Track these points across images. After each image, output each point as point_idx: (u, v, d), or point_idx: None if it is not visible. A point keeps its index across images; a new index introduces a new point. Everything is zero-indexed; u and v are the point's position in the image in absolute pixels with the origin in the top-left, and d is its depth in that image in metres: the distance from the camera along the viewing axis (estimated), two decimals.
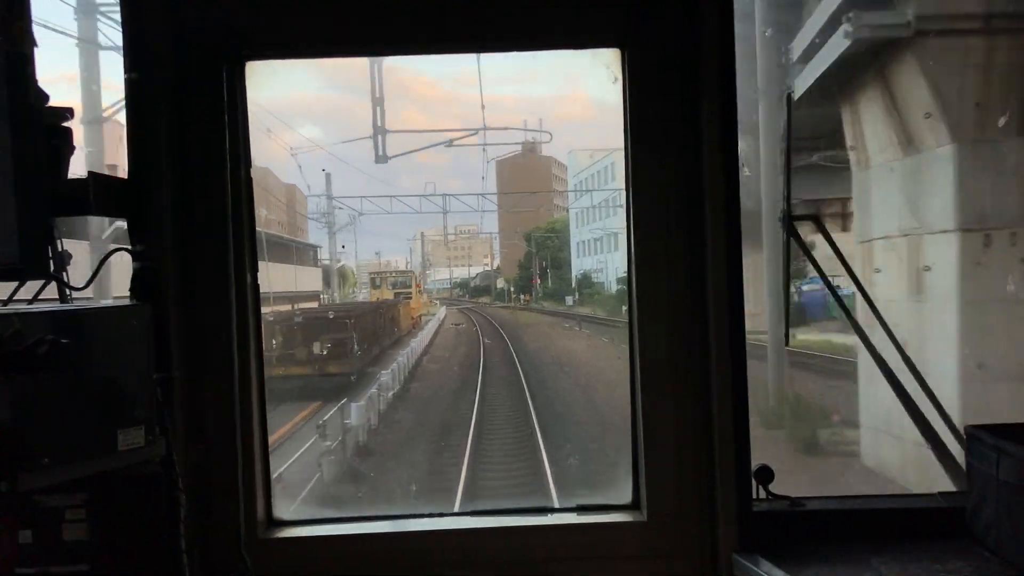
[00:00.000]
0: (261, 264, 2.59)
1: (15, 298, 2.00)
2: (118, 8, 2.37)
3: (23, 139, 1.75)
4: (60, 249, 2.01)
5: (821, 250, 2.80)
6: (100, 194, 2.04)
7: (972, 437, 2.42)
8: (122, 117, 2.43)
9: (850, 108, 8.36)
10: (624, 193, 2.57)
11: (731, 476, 2.39)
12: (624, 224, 2.59)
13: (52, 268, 1.93)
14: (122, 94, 2.31)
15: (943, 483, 2.68)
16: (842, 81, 8.20)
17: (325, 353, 17.98)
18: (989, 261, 6.98)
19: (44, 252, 1.87)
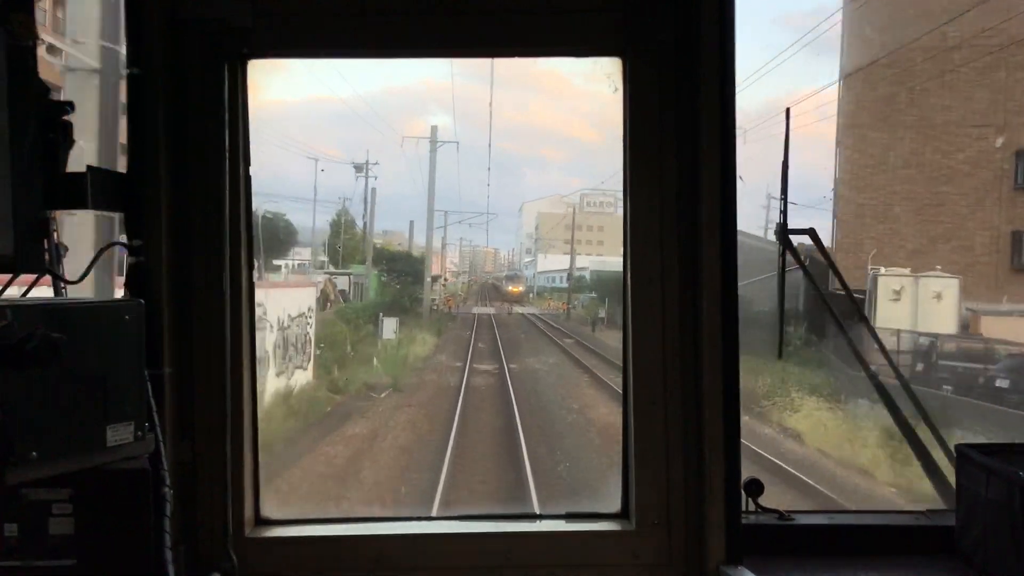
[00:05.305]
0: None
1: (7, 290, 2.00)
2: None
3: (21, 131, 1.75)
4: (56, 242, 2.00)
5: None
6: (97, 188, 2.03)
7: (962, 455, 2.42)
8: None
9: None
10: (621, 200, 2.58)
11: (720, 487, 2.38)
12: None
13: (47, 261, 1.93)
14: None
15: (930, 500, 2.68)
16: None
17: None
18: None
19: (39, 245, 1.86)
